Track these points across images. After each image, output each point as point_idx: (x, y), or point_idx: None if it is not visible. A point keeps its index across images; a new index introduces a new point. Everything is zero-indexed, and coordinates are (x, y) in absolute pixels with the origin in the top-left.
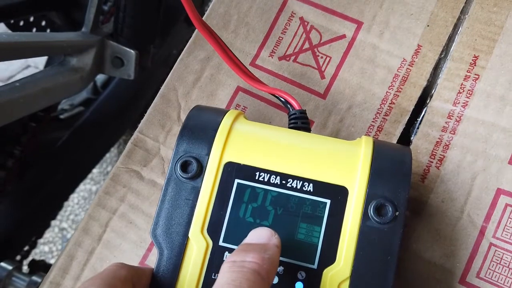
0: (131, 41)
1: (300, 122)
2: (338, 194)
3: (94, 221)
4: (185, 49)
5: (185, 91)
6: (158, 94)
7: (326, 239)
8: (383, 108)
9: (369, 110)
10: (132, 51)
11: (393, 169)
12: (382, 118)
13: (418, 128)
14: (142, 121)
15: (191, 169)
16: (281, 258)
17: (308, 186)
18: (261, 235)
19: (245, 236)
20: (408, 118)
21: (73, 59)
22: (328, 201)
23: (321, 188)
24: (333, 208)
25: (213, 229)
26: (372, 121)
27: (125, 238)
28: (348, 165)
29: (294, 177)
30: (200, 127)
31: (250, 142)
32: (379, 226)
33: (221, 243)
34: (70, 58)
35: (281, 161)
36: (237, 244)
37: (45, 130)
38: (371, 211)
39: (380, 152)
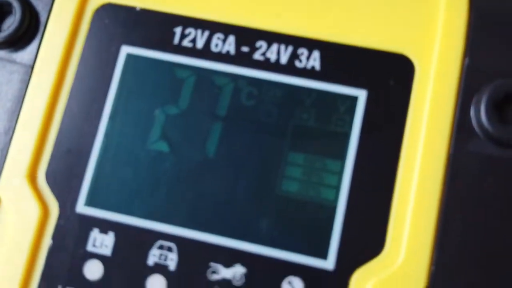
0: None
1: None
2: (389, 75)
3: None
4: None
5: None
6: None
7: (359, 194)
8: None
9: None
10: None
11: None
12: None
13: None
14: None
15: (11, 22)
16: (240, 246)
17: (309, 58)
18: None
19: (145, 190)
20: None
21: None
22: (363, 94)
23: (344, 61)
24: (374, 112)
25: (62, 173)
26: None
27: None
28: (410, 6)
29: (274, 37)
30: None
31: None
32: (505, 153)
33: (81, 207)
34: None
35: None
36: (124, 211)
37: None
38: (481, 114)
39: None
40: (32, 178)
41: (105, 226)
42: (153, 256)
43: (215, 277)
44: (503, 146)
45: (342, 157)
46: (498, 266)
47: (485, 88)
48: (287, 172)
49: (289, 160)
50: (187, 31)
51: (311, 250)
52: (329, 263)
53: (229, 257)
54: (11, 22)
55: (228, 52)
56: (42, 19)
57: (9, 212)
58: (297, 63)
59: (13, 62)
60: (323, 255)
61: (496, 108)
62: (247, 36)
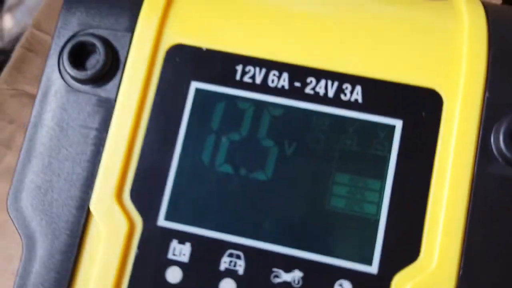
0: None
1: None
2: (421, 107)
3: None
4: None
5: None
6: None
7: (397, 209)
8: None
9: None
10: None
11: None
12: None
13: None
14: (39, 10)
15: (96, 60)
16: (298, 254)
17: (353, 92)
18: None
19: (215, 206)
20: None
21: None
22: (399, 124)
23: (383, 95)
24: (409, 139)
25: (144, 192)
26: None
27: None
28: (439, 47)
29: (322, 74)
30: None
31: (225, 3)
32: None
33: (162, 221)
34: None
35: (292, 41)
36: (198, 224)
37: None
38: (500, 141)
39: (502, 22)
40: (119, 196)
41: (182, 237)
42: (224, 263)
43: (277, 280)
44: None
45: (382, 177)
46: None
47: (504, 119)
48: (334, 191)
49: (336, 180)
50: (247, 68)
51: (358, 257)
52: (373, 268)
53: (289, 263)
54: (96, 61)
55: (283, 87)
56: (122, 57)
57: (100, 226)
58: (342, 96)
59: (97, 95)
60: (368, 261)
61: None
62: (299, 73)
